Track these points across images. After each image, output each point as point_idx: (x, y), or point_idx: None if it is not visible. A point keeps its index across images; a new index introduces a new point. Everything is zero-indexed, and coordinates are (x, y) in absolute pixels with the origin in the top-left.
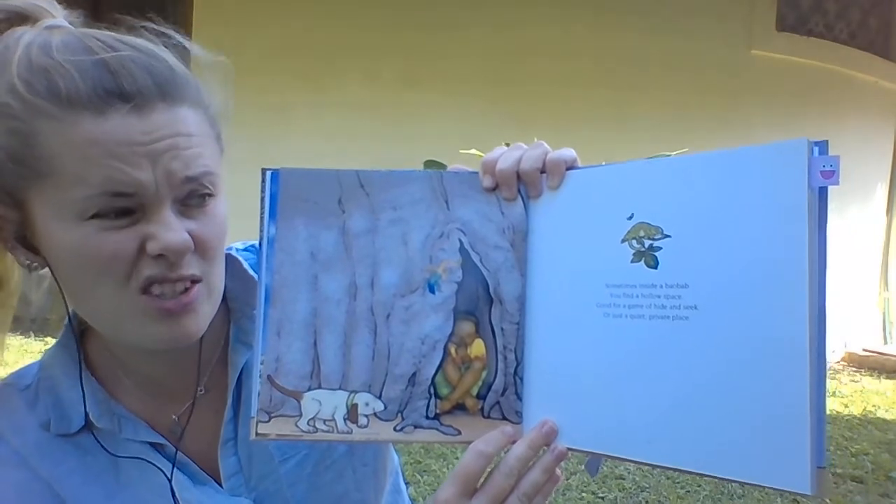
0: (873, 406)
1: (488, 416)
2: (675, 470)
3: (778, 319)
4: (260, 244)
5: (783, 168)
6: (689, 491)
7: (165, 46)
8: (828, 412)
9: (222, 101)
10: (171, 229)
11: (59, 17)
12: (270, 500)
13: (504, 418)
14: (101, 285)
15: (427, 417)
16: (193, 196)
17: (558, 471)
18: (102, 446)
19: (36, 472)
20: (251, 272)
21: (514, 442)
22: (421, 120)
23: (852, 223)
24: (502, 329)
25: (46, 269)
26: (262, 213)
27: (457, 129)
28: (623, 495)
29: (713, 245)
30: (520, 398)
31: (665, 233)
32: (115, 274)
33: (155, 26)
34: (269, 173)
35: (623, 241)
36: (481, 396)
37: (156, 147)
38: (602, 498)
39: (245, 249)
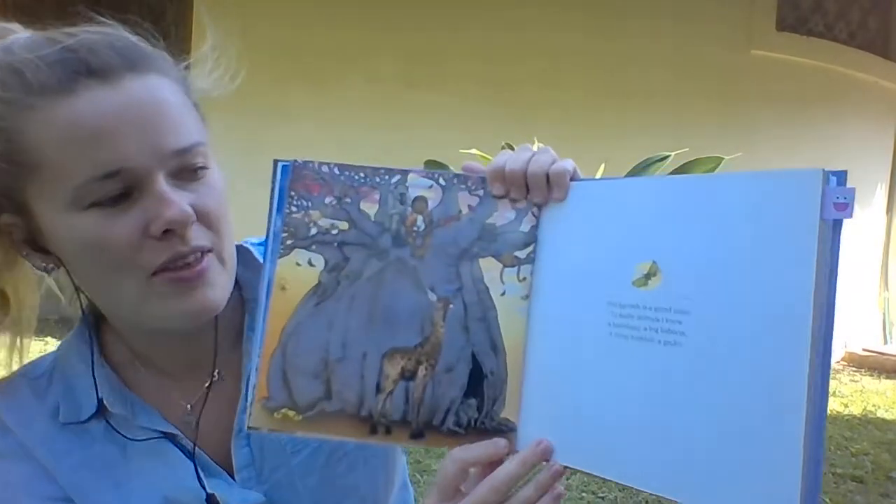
0: (873, 406)
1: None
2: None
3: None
4: (267, 236)
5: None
6: None
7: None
8: (828, 412)
9: (196, 75)
10: (170, 202)
11: (21, 32)
12: (282, 492)
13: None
14: (115, 273)
15: None
16: (187, 169)
17: (561, 487)
18: (116, 430)
19: (40, 463)
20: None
21: (506, 455)
22: (421, 120)
23: (852, 223)
24: None
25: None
26: (270, 205)
27: (457, 130)
28: (623, 495)
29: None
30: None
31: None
32: (125, 261)
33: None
34: (280, 165)
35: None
36: None
37: (136, 116)
38: (602, 498)
39: (259, 244)
